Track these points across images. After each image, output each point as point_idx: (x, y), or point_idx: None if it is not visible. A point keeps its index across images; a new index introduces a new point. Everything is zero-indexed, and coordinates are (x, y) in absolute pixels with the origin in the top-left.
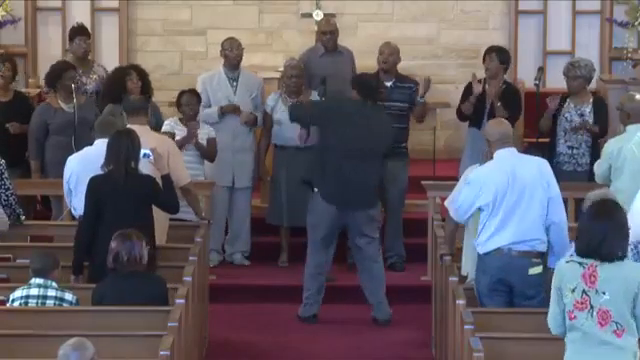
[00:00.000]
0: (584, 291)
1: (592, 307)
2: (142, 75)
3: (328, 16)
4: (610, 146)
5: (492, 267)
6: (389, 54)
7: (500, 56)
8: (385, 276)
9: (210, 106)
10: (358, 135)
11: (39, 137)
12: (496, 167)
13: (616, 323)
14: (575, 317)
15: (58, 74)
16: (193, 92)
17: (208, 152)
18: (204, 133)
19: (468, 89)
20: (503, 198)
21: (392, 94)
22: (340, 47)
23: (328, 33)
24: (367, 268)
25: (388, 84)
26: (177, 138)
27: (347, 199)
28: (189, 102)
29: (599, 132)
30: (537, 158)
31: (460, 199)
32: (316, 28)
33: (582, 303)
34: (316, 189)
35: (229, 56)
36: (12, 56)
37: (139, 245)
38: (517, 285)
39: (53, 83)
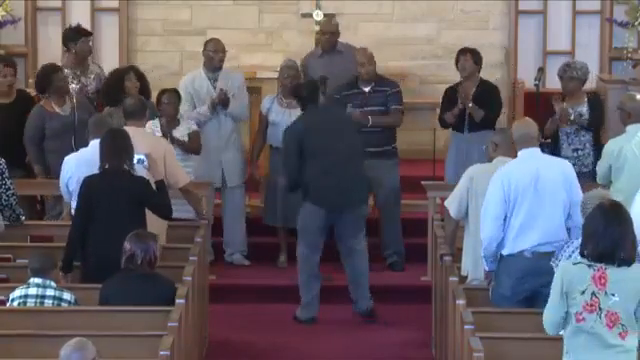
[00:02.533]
0: (594, 293)
1: (601, 309)
2: (140, 76)
3: (330, 16)
4: (610, 146)
5: (516, 270)
6: (369, 64)
7: (475, 57)
8: (368, 271)
9: (195, 107)
10: (332, 139)
11: (36, 141)
12: (519, 165)
13: (622, 325)
14: (583, 319)
15: (48, 78)
16: (174, 90)
17: (191, 146)
18: (185, 129)
19: (446, 97)
20: (524, 198)
21: (370, 99)
22: (341, 46)
23: (328, 33)
24: (352, 263)
25: (366, 89)
26: None
27: (336, 201)
28: (170, 100)
29: (589, 125)
30: (562, 160)
31: (487, 202)
32: (316, 28)
33: (591, 305)
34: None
35: (213, 58)
36: (12, 57)
37: (154, 246)
38: (541, 288)
39: (44, 88)
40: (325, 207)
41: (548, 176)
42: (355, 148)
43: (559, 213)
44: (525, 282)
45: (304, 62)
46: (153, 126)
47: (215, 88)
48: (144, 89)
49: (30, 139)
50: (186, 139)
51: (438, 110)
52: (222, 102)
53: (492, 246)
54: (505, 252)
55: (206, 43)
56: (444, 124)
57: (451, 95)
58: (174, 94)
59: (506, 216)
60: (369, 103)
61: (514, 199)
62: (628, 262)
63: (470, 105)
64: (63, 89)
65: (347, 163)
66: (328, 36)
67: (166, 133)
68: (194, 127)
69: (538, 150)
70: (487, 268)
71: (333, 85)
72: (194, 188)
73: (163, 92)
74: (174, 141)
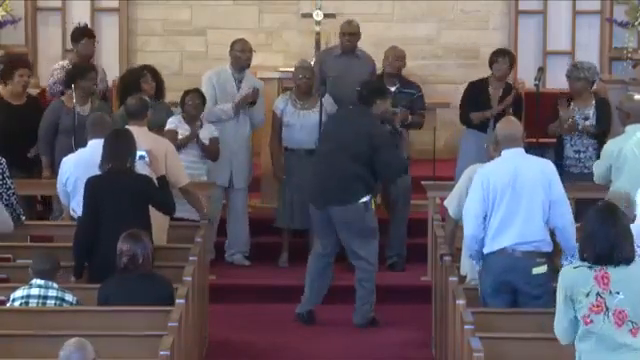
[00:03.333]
0: (598, 293)
1: (607, 309)
2: (155, 75)
3: (348, 19)
4: (610, 146)
5: (496, 267)
6: (395, 59)
7: (511, 59)
8: (374, 283)
9: (216, 102)
10: (336, 135)
11: (48, 134)
12: (499, 165)
13: (632, 322)
14: (592, 321)
15: (81, 73)
16: (197, 91)
17: (211, 152)
18: (207, 133)
19: (471, 94)
20: (503, 197)
21: (396, 99)
22: (359, 51)
23: (347, 35)
24: (356, 270)
25: (392, 89)
26: (180, 137)
27: (319, 196)
28: (193, 101)
29: (598, 132)
30: (542, 159)
31: (467, 201)
32: (316, 28)
33: (597, 306)
34: None
35: (240, 58)
36: (26, 57)
37: (149, 245)
38: (521, 286)
39: (72, 82)
40: (308, 199)
41: (527, 176)
42: (350, 151)
43: (537, 213)
44: (504, 277)
45: (321, 58)
46: (177, 121)
47: (239, 88)
48: (160, 88)
49: (42, 131)
50: (206, 143)
51: (439, 110)
52: (253, 100)
53: (473, 244)
54: (486, 251)
55: (233, 43)
56: (467, 122)
57: (475, 92)
58: (198, 94)
59: (486, 215)
60: (395, 103)
61: (493, 198)
62: (627, 262)
63: (511, 111)
64: (89, 88)
65: (335, 162)
66: (349, 37)
67: (194, 133)
68: (215, 133)
69: (521, 150)
70: (478, 267)
71: (351, 87)
72: (202, 188)
73: (187, 93)
74: (198, 141)
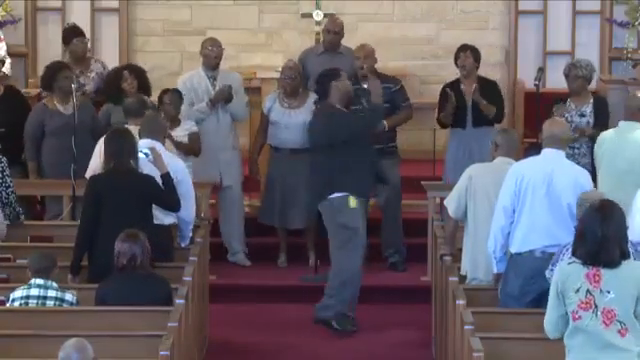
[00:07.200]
0: (588, 291)
1: (596, 307)
2: (137, 74)
3: (333, 16)
4: (600, 138)
5: (526, 269)
6: (365, 57)
7: (474, 54)
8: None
9: (193, 105)
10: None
11: (35, 138)
12: (536, 163)
13: (620, 322)
14: (580, 317)
15: (53, 75)
16: (175, 91)
17: (191, 148)
18: (185, 129)
19: (443, 98)
20: (535, 196)
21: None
22: (342, 48)
23: (332, 32)
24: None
25: (366, 86)
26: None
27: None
28: (171, 101)
29: (594, 134)
30: (579, 167)
31: (500, 194)
32: (316, 28)
33: (586, 303)
34: None
35: (209, 55)
36: None
37: (147, 245)
38: (549, 287)
39: (49, 85)
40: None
41: (561, 180)
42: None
43: (567, 217)
44: (534, 282)
45: (302, 57)
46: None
47: (214, 87)
48: (144, 86)
49: (29, 135)
50: (186, 140)
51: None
52: (226, 98)
53: (499, 237)
54: (514, 250)
55: (203, 42)
56: (443, 125)
57: (447, 94)
58: (175, 94)
59: (514, 209)
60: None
61: (523, 194)
62: (611, 264)
63: (484, 103)
64: (66, 87)
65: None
66: (332, 35)
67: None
68: (194, 128)
69: (561, 153)
70: (496, 270)
71: None
72: (197, 187)
73: (164, 92)
74: (175, 143)
